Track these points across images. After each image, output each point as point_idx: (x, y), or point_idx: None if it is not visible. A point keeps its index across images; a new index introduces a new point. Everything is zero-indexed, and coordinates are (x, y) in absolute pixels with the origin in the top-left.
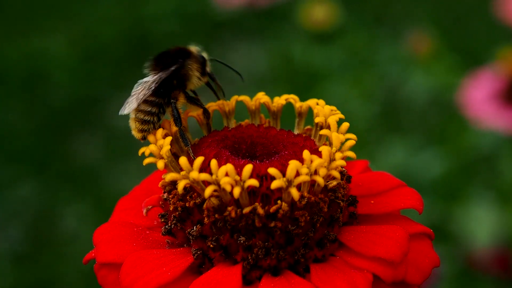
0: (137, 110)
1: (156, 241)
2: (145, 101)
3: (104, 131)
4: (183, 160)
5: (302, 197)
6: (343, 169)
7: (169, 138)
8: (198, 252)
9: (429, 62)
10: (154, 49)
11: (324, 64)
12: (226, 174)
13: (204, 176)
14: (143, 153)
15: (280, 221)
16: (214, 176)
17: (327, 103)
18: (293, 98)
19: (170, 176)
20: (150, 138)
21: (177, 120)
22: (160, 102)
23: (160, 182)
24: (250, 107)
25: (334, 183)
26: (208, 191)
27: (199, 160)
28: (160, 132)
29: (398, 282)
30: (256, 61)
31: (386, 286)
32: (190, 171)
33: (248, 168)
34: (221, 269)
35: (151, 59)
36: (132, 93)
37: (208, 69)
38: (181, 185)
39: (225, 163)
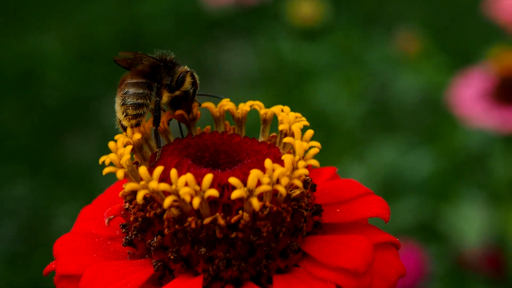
0: (127, 95)
1: (117, 252)
2: (135, 84)
3: (99, 131)
4: (142, 170)
5: (264, 207)
6: (307, 177)
7: (129, 147)
8: (159, 264)
9: (418, 61)
10: (148, 49)
11: (312, 61)
12: (186, 184)
13: (164, 186)
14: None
15: (241, 232)
16: (173, 186)
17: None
18: (257, 104)
19: (129, 186)
20: (111, 145)
21: (157, 119)
22: (150, 84)
23: (120, 192)
24: (214, 114)
25: (297, 192)
26: (168, 201)
27: (158, 169)
28: (121, 140)
29: None
30: (249, 60)
31: None
32: (150, 181)
33: (208, 178)
34: (181, 281)
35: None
36: None
37: (197, 85)
38: (140, 195)
39: (186, 172)
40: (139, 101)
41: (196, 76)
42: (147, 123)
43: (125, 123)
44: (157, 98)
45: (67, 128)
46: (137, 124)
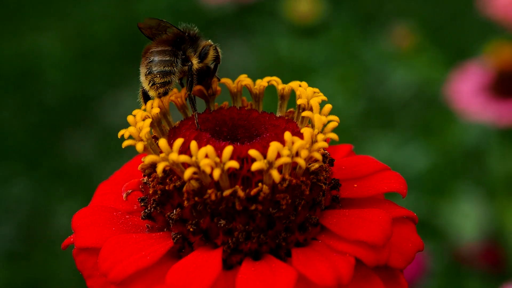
0: (153, 63)
1: (136, 226)
2: (160, 52)
3: (98, 129)
4: (162, 142)
5: (283, 179)
6: (325, 151)
7: (148, 120)
8: (178, 236)
9: (413, 56)
10: None
11: (309, 59)
12: (206, 156)
13: (184, 158)
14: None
15: (261, 204)
16: (193, 158)
17: None
18: (275, 80)
19: (149, 159)
20: (130, 119)
21: (191, 84)
22: (175, 52)
23: (140, 165)
24: (231, 90)
25: (316, 165)
26: (188, 173)
27: (178, 141)
28: (140, 114)
29: (382, 266)
30: (248, 59)
31: (369, 270)
32: (170, 153)
33: (228, 150)
34: (201, 253)
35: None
36: None
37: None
38: (160, 167)
39: (205, 145)
40: (166, 68)
41: (219, 50)
42: (167, 97)
43: (152, 93)
44: (189, 63)
45: (66, 126)
46: (165, 93)
